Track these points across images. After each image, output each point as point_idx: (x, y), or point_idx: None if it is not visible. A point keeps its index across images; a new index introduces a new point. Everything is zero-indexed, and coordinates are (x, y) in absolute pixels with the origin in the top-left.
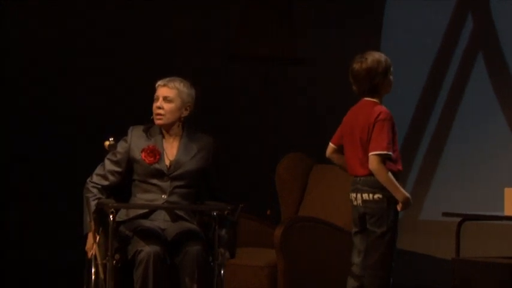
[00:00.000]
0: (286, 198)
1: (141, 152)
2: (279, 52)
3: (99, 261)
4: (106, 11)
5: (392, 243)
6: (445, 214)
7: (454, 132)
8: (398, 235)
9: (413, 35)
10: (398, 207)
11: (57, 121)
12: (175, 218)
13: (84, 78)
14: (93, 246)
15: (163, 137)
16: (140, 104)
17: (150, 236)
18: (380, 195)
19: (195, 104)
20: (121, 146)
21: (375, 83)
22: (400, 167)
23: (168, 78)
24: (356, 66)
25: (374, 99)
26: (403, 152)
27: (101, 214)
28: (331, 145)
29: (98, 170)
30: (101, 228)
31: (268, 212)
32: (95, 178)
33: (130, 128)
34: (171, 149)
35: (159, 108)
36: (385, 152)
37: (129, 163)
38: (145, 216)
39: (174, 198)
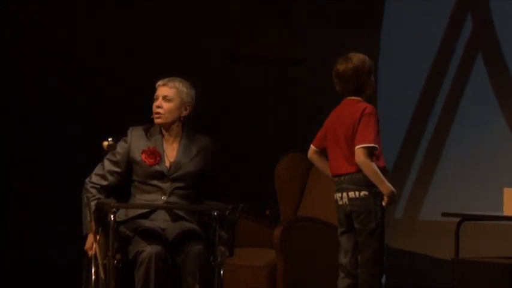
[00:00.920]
0: (286, 198)
1: (142, 153)
2: (279, 52)
3: (99, 261)
4: (106, 11)
5: (382, 239)
6: (445, 214)
7: (454, 132)
8: (395, 235)
9: (413, 35)
10: (384, 202)
11: (57, 121)
12: (175, 217)
13: (84, 78)
14: (93, 246)
15: (163, 137)
16: (140, 104)
17: (151, 236)
18: (366, 192)
19: (195, 104)
20: (121, 147)
21: (361, 81)
22: (383, 164)
23: (168, 78)
24: (341, 66)
25: (357, 98)
26: (402, 152)
27: (100, 214)
28: (312, 147)
29: (97, 170)
30: (100, 228)
31: (268, 212)
32: (94, 178)
33: (130, 128)
34: (171, 151)
35: (158, 107)
36: (372, 145)
37: (128, 164)
38: (145, 216)
39: (173, 199)
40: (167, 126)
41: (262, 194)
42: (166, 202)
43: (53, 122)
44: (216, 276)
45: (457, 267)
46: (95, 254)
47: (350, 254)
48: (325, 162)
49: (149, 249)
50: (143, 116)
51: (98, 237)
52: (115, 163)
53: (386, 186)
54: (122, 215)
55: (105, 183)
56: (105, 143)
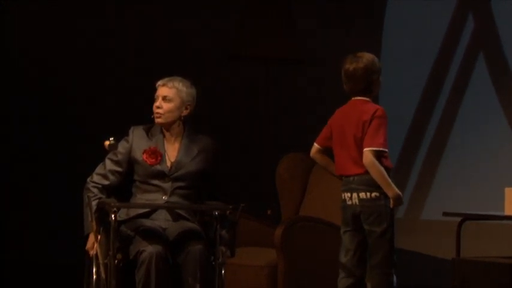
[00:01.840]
0: (287, 198)
1: (143, 153)
2: (279, 52)
3: (100, 261)
4: (106, 11)
5: (392, 240)
6: (446, 214)
7: (455, 132)
8: (397, 234)
9: (414, 35)
10: (390, 205)
11: (57, 121)
12: (176, 217)
13: (85, 78)
14: (94, 245)
15: (164, 136)
16: (140, 104)
17: (152, 235)
18: (377, 193)
19: (195, 103)
20: (122, 146)
21: (371, 80)
22: (391, 165)
23: (168, 78)
24: (352, 65)
25: (365, 98)
26: (404, 152)
27: (102, 214)
28: (316, 145)
29: (99, 169)
30: (102, 228)
31: (269, 212)
32: (95, 177)
33: (131, 128)
34: (172, 150)
35: (158, 107)
36: (381, 149)
37: (129, 163)
38: (146, 215)
39: (174, 198)
40: (168, 126)
41: (263, 193)
42: (167, 202)
43: (53, 122)
44: (216, 276)
45: (458, 266)
46: (96, 254)
47: (351, 253)
48: (328, 161)
49: (150, 249)
50: (144, 116)
51: (99, 237)
52: (116, 163)
53: (392, 189)
54: (123, 214)
55: (106, 182)
56: (107, 143)
